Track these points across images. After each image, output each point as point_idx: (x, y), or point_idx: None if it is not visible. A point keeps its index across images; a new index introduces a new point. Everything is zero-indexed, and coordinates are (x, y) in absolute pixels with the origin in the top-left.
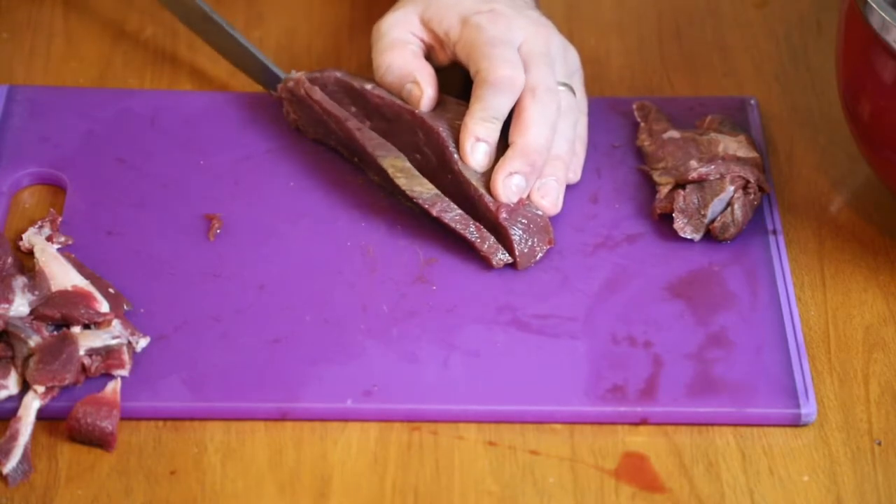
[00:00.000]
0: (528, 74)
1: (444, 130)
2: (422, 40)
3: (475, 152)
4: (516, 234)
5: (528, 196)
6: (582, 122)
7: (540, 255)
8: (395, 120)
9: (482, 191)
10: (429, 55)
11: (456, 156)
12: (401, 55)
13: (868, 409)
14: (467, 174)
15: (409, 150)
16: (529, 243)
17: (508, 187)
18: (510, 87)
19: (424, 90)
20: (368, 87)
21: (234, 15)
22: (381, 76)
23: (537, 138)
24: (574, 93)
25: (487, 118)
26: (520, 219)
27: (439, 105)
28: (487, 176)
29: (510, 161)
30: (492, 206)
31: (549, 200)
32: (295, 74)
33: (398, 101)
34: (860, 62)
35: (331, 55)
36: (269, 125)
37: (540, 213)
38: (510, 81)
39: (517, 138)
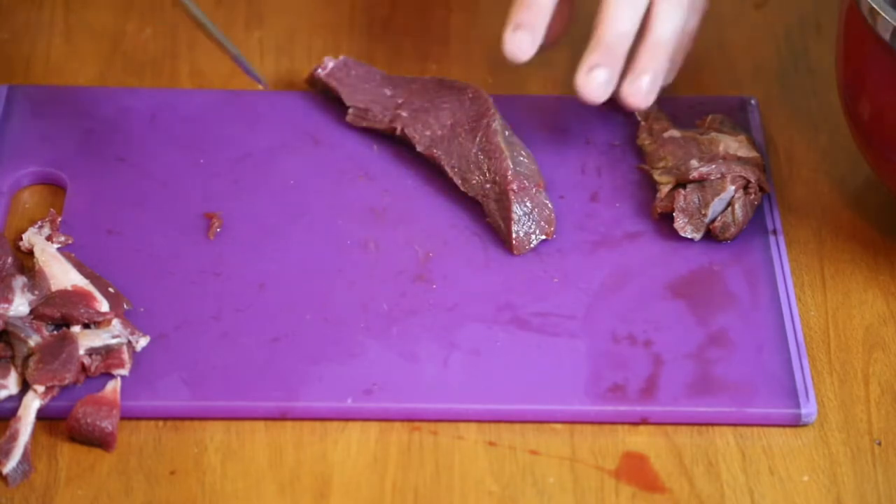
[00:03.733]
0: None
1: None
2: None
3: (590, 81)
4: (517, 211)
5: (617, 89)
6: (692, 17)
7: (535, 242)
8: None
9: (507, 155)
10: None
11: (494, 123)
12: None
13: (868, 409)
14: (501, 139)
15: (435, 115)
16: (527, 227)
17: (591, 83)
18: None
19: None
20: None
21: (234, 15)
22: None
23: (616, 25)
24: None
25: (608, 41)
26: (526, 199)
27: None
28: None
29: (589, 54)
30: (509, 174)
31: (637, 98)
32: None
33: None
34: (860, 62)
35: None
36: (269, 124)
37: (550, 205)
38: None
39: (596, 27)
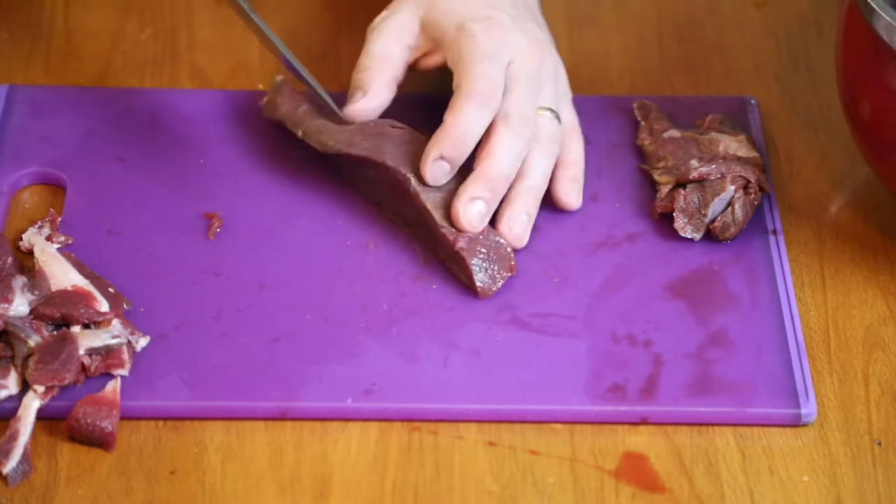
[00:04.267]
0: (506, 98)
1: (391, 160)
2: (414, 46)
3: (434, 169)
4: (475, 263)
5: (495, 227)
6: (574, 147)
7: (501, 283)
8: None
9: (439, 219)
10: (424, 58)
11: (413, 182)
12: (379, 66)
13: (868, 409)
14: (426, 202)
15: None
16: (489, 272)
17: (469, 212)
18: (486, 104)
19: (366, 100)
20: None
21: (234, 14)
22: (354, 71)
23: (501, 165)
24: (559, 120)
25: (458, 136)
26: (479, 248)
27: (400, 139)
28: (446, 204)
29: (472, 186)
30: (450, 235)
31: (516, 233)
32: (279, 78)
33: (352, 150)
34: (860, 62)
35: (330, 55)
36: (268, 124)
37: (502, 241)
38: (485, 100)
39: (481, 162)
